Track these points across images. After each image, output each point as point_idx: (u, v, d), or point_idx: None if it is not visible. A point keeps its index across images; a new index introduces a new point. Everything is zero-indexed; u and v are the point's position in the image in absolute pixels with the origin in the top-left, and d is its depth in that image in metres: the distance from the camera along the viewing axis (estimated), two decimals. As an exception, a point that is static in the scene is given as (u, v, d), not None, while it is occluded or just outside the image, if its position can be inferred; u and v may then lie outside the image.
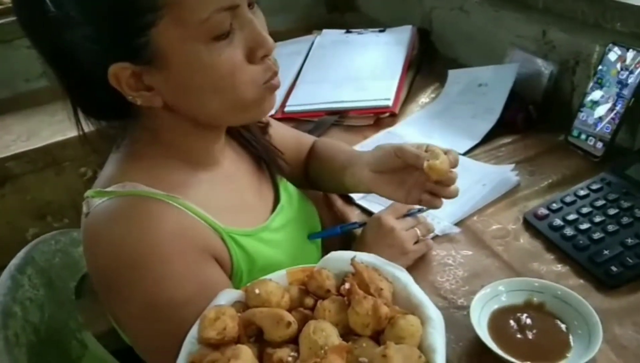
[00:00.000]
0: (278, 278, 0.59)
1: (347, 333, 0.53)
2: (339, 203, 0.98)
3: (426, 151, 0.74)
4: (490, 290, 0.69)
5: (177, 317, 0.59)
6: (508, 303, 0.69)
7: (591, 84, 0.98)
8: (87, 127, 0.69)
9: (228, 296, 0.58)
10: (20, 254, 0.83)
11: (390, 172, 0.77)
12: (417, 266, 0.80)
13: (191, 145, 0.69)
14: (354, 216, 0.94)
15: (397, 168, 0.76)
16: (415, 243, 0.80)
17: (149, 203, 0.62)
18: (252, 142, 0.83)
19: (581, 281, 0.74)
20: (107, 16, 0.56)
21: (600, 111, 0.95)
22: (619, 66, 0.94)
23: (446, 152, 0.73)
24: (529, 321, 0.67)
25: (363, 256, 0.59)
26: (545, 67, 1.09)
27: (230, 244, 0.68)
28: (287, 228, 0.79)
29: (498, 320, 0.68)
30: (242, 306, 0.56)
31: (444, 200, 0.76)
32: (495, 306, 0.69)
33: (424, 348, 0.50)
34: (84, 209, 0.65)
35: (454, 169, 0.73)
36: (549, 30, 1.09)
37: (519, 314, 0.68)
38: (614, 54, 0.95)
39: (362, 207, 0.95)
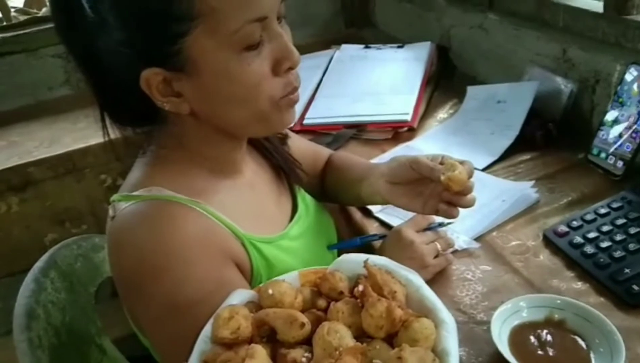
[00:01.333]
0: (290, 279, 0.59)
1: (360, 335, 0.53)
2: (357, 215, 0.99)
3: (441, 163, 0.75)
4: (512, 305, 0.69)
5: (197, 319, 0.59)
6: (529, 320, 0.69)
7: (611, 102, 0.98)
8: (113, 133, 0.70)
9: (241, 296, 0.58)
10: (44, 257, 0.84)
11: (406, 183, 0.78)
12: (437, 280, 0.80)
13: (215, 153, 0.71)
14: (373, 228, 0.94)
15: (413, 179, 0.77)
16: (435, 257, 0.80)
17: (173, 207, 0.64)
18: (273, 152, 0.84)
19: (602, 299, 0.73)
20: (143, 23, 0.58)
21: (621, 129, 0.95)
22: (639, 85, 0.94)
23: (461, 163, 0.74)
24: (549, 337, 0.67)
25: (376, 259, 0.59)
26: (565, 86, 1.09)
27: (250, 250, 0.69)
28: (304, 236, 0.80)
29: (518, 336, 0.67)
30: (255, 306, 0.56)
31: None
32: (516, 322, 0.69)
33: (437, 352, 0.50)
34: (110, 212, 0.66)
35: (470, 179, 0.74)
36: (569, 48, 1.10)
37: (539, 330, 0.68)
38: (634, 73, 0.95)
39: (380, 220, 0.95)
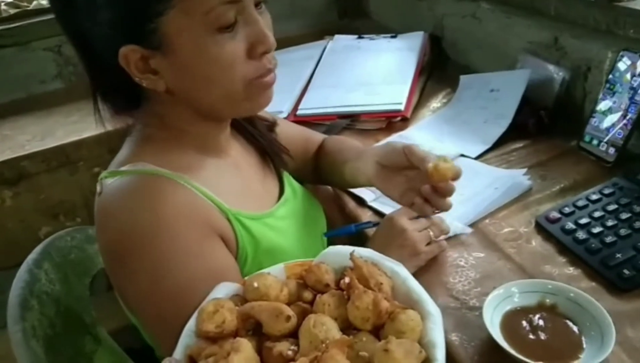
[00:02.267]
0: (276, 272, 0.59)
1: (347, 327, 0.53)
2: (351, 204, 0.99)
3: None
4: (504, 290, 0.70)
5: (182, 289, 0.61)
6: (521, 305, 0.70)
7: (603, 90, 0.98)
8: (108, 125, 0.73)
9: (226, 289, 0.58)
10: (38, 249, 0.84)
11: (394, 168, 0.81)
12: (430, 267, 0.80)
13: (197, 131, 0.73)
14: (366, 217, 0.95)
15: (402, 166, 0.79)
16: (428, 244, 0.80)
17: (158, 180, 0.65)
18: (258, 137, 0.86)
19: (593, 284, 0.74)
20: (123, 2, 0.61)
21: (613, 117, 0.96)
22: (630, 72, 0.94)
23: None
24: (541, 322, 0.67)
25: (362, 251, 0.59)
26: (557, 73, 1.09)
27: (235, 224, 0.70)
28: (291, 219, 0.81)
29: (510, 321, 0.68)
30: (240, 299, 0.56)
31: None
32: (508, 307, 0.69)
33: (424, 344, 0.50)
34: (98, 189, 0.68)
35: (454, 182, 0.76)
36: (561, 36, 1.10)
37: (531, 315, 0.68)
38: (626, 61, 0.95)
39: (374, 209, 0.96)
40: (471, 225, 0.87)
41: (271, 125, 0.90)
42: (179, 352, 0.52)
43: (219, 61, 0.64)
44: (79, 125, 1.45)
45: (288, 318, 0.51)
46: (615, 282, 0.72)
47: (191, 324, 0.54)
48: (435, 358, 0.48)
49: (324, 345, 0.48)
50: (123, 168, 0.67)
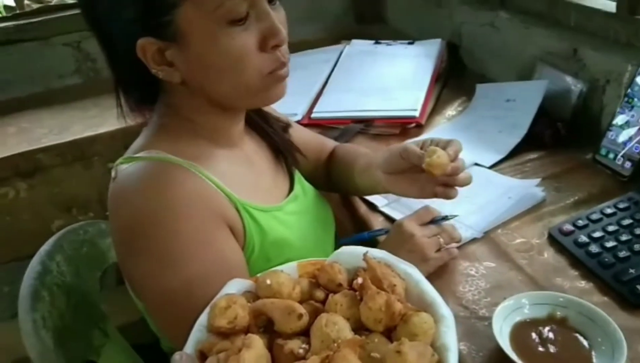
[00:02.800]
0: (288, 270, 0.59)
1: (358, 328, 0.52)
2: (362, 209, 0.99)
3: (421, 147, 0.78)
4: (514, 301, 0.69)
5: (188, 274, 0.62)
6: (531, 316, 0.69)
7: (621, 103, 0.97)
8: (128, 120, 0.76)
9: (238, 285, 0.58)
10: (50, 241, 0.85)
11: (401, 172, 0.82)
12: (440, 275, 0.80)
13: (210, 123, 0.74)
14: (378, 223, 0.94)
15: (406, 167, 0.80)
16: (438, 251, 0.80)
17: (171, 167, 0.67)
18: (272, 135, 0.87)
19: (605, 298, 0.73)
20: None
21: (630, 131, 0.95)
22: (650, 86, 0.93)
23: (447, 144, 0.77)
24: (551, 335, 0.67)
25: (375, 252, 0.58)
26: (574, 85, 1.09)
27: (244, 215, 0.71)
28: (300, 215, 0.82)
29: (520, 332, 0.67)
30: (252, 296, 0.56)
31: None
32: (518, 319, 0.69)
33: (437, 347, 0.49)
34: (113, 174, 0.70)
35: (458, 159, 0.77)
36: (580, 48, 1.09)
37: (541, 327, 0.68)
38: (646, 75, 0.94)
39: (385, 214, 0.96)
40: (483, 234, 0.87)
41: (285, 126, 0.91)
42: (189, 347, 0.52)
43: (230, 53, 0.65)
44: (95, 120, 1.47)
45: (300, 316, 0.51)
46: (627, 297, 0.71)
47: (202, 319, 0.54)
48: (448, 362, 0.48)
49: (335, 344, 0.48)
50: (138, 155, 0.69)
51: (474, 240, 0.86)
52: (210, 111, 0.73)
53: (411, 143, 0.82)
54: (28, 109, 1.59)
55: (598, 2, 1.10)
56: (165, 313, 0.65)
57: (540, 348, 0.65)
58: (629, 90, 0.96)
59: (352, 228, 0.98)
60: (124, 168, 0.68)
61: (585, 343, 0.66)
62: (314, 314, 0.52)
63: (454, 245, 0.82)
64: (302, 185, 0.88)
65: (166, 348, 0.83)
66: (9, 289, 1.50)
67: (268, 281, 0.54)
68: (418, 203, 0.85)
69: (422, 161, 0.75)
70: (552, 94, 1.11)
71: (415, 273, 0.57)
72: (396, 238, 0.79)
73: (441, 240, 0.80)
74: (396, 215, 0.93)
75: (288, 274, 0.57)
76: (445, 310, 0.53)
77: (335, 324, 0.49)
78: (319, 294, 0.56)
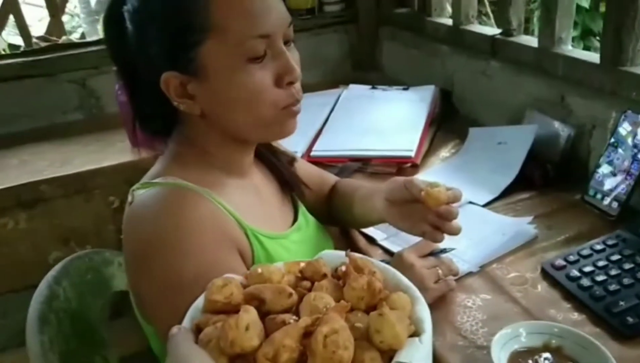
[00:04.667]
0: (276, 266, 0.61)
1: None
2: (362, 242, 1.02)
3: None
4: (511, 330, 0.71)
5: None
6: (527, 345, 0.71)
7: (607, 147, 1.03)
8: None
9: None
10: (58, 267, 0.87)
11: (401, 203, 0.85)
12: (438, 306, 0.82)
13: (223, 154, 0.78)
14: (377, 255, 0.97)
15: (407, 199, 0.83)
16: (436, 282, 0.83)
17: (186, 192, 0.71)
18: (280, 167, 0.91)
19: (597, 329, 0.76)
20: (167, 34, 0.69)
21: (616, 173, 1.00)
22: (633, 132, 0.99)
23: (449, 189, 0.81)
24: (547, 363, 0.69)
25: (355, 254, 0.61)
26: (562, 130, 1.15)
27: (253, 241, 0.74)
28: (304, 245, 0.85)
29: (517, 360, 0.69)
30: (244, 287, 0.57)
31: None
32: (515, 347, 0.71)
33: (413, 320, 0.52)
34: (129, 199, 0.73)
35: (455, 205, 0.81)
36: (567, 95, 1.16)
37: (537, 356, 0.70)
38: (629, 121, 1.00)
39: (384, 247, 0.99)
40: (479, 269, 0.90)
41: (291, 160, 0.95)
42: (186, 322, 0.54)
43: (248, 88, 0.70)
44: (97, 155, 1.50)
45: (290, 295, 0.53)
46: (619, 329, 0.74)
47: (199, 302, 0.56)
48: (424, 329, 0.51)
49: (324, 309, 0.50)
50: (154, 181, 0.72)
51: (470, 274, 0.89)
52: (224, 143, 0.77)
53: (417, 179, 0.85)
54: (30, 142, 1.62)
55: (583, 54, 1.18)
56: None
57: (537, 376, 0.68)
58: (614, 135, 1.02)
59: (351, 261, 1.01)
60: (141, 193, 0.71)
61: (579, 371, 0.68)
62: (302, 298, 0.54)
63: (452, 277, 0.85)
64: (305, 216, 0.91)
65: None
66: (4, 322, 1.48)
67: (259, 270, 0.57)
68: (416, 238, 0.88)
69: (422, 195, 0.79)
70: (541, 138, 1.17)
71: (390, 268, 0.61)
72: (396, 268, 0.81)
73: (440, 271, 0.83)
74: (395, 248, 0.96)
75: (277, 267, 0.59)
76: (419, 295, 0.56)
77: (323, 298, 0.52)
78: (305, 283, 0.58)
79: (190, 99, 0.72)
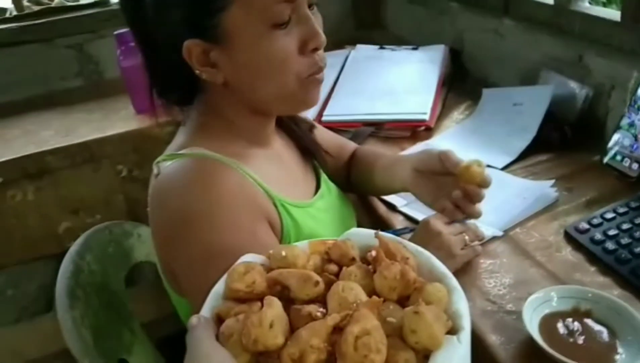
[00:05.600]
0: (300, 247, 0.58)
1: None
2: (382, 209, 1.01)
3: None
4: (543, 294, 0.72)
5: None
6: (557, 309, 0.72)
7: (627, 108, 1.02)
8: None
9: (252, 259, 0.57)
10: (80, 241, 0.86)
11: (430, 174, 0.84)
12: (465, 272, 0.83)
13: (247, 124, 0.77)
14: (398, 222, 0.97)
15: (438, 171, 0.83)
16: (463, 248, 0.83)
17: (214, 163, 0.69)
18: (302, 136, 0.90)
19: (624, 292, 0.77)
20: (189, 1, 0.66)
21: (636, 133, 0.99)
22: (655, 91, 0.98)
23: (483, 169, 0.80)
24: (578, 326, 0.70)
25: (385, 233, 0.58)
26: (580, 90, 1.13)
27: (281, 210, 0.74)
28: (328, 212, 0.85)
29: (548, 324, 0.70)
30: (267, 269, 0.55)
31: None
32: (546, 311, 0.72)
33: (450, 314, 0.49)
34: (155, 171, 0.72)
35: (485, 190, 0.80)
36: (585, 55, 1.14)
37: (568, 319, 0.71)
38: (650, 81, 0.99)
39: (405, 214, 0.98)
40: (503, 233, 0.90)
41: (311, 127, 0.93)
42: (206, 312, 0.51)
43: (273, 55, 0.68)
44: (101, 123, 1.47)
45: (317, 283, 0.50)
46: (646, 291, 0.75)
47: (218, 287, 0.53)
48: (462, 327, 0.48)
49: (354, 304, 0.47)
50: (180, 152, 0.71)
51: (494, 239, 0.89)
52: (247, 112, 0.76)
53: (453, 152, 0.83)
54: (30, 111, 1.59)
55: (603, 11, 1.15)
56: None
57: (569, 339, 0.68)
58: (634, 95, 1.01)
59: (372, 227, 1.00)
60: (167, 165, 0.70)
61: (610, 334, 0.69)
62: (328, 286, 0.51)
63: (478, 242, 0.85)
64: (327, 184, 0.90)
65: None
66: (13, 292, 1.48)
67: (283, 253, 0.54)
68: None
69: (457, 169, 0.78)
70: (558, 98, 1.15)
71: (424, 251, 0.57)
72: (423, 235, 0.82)
73: (466, 237, 0.83)
74: (416, 215, 0.96)
75: (302, 248, 0.56)
76: (456, 283, 0.53)
77: (352, 289, 0.49)
78: (332, 267, 0.55)
79: (213, 67, 0.70)
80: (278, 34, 0.67)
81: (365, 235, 0.58)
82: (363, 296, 0.49)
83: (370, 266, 0.53)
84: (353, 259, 0.55)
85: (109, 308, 0.83)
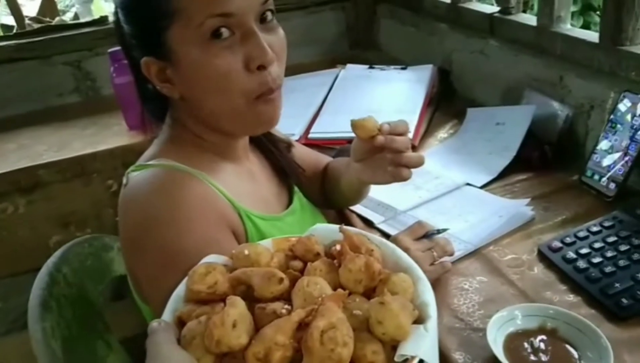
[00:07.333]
0: (264, 245, 0.58)
1: None
2: (359, 225, 1.02)
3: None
4: (507, 313, 0.73)
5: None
6: (522, 327, 0.72)
7: (605, 128, 1.03)
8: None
9: (215, 259, 0.56)
10: (58, 253, 0.87)
11: (366, 157, 0.82)
12: (435, 289, 0.78)
13: (212, 138, 0.77)
14: (374, 239, 0.98)
15: (368, 151, 0.81)
16: (432, 264, 0.83)
17: (179, 173, 0.71)
18: (277, 156, 0.90)
19: (592, 311, 0.77)
20: (138, 20, 0.70)
21: (614, 154, 1.00)
22: (631, 113, 0.99)
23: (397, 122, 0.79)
24: (542, 345, 0.70)
25: (349, 227, 0.58)
26: (561, 110, 1.14)
27: (246, 221, 0.74)
28: (298, 228, 0.83)
29: (513, 342, 0.71)
30: (229, 269, 0.54)
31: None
32: (511, 329, 0.72)
33: (417, 305, 0.49)
34: (124, 181, 0.73)
35: (405, 137, 0.79)
36: (566, 75, 1.15)
37: (532, 338, 0.71)
38: (627, 102, 1.00)
39: (381, 231, 0.99)
40: (476, 251, 0.91)
41: (288, 146, 0.94)
42: (167, 315, 0.50)
43: (215, 71, 0.67)
44: (94, 138, 1.50)
45: (280, 280, 0.49)
46: (613, 310, 0.75)
47: (179, 290, 0.52)
48: (429, 315, 0.48)
49: (319, 298, 0.46)
50: (148, 163, 0.73)
51: (467, 256, 0.90)
52: (209, 127, 0.76)
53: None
54: (27, 126, 1.62)
55: (582, 33, 1.16)
56: None
57: (532, 357, 0.69)
58: (612, 116, 1.02)
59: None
60: (135, 175, 0.71)
61: (574, 353, 0.69)
62: (293, 282, 0.50)
63: (448, 258, 0.86)
64: (300, 200, 0.91)
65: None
66: (2, 305, 1.50)
67: (246, 252, 0.54)
68: (413, 221, 0.89)
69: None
70: (539, 118, 1.16)
71: (389, 243, 0.57)
72: None
73: (435, 253, 0.83)
74: (392, 231, 0.96)
75: (265, 246, 0.56)
76: (421, 274, 0.53)
77: (317, 284, 0.49)
78: (297, 264, 0.54)
79: (170, 83, 0.71)
80: (220, 50, 0.67)
81: (329, 230, 0.58)
82: (328, 291, 0.48)
83: (335, 261, 0.53)
84: (318, 254, 0.54)
85: (84, 321, 0.84)
